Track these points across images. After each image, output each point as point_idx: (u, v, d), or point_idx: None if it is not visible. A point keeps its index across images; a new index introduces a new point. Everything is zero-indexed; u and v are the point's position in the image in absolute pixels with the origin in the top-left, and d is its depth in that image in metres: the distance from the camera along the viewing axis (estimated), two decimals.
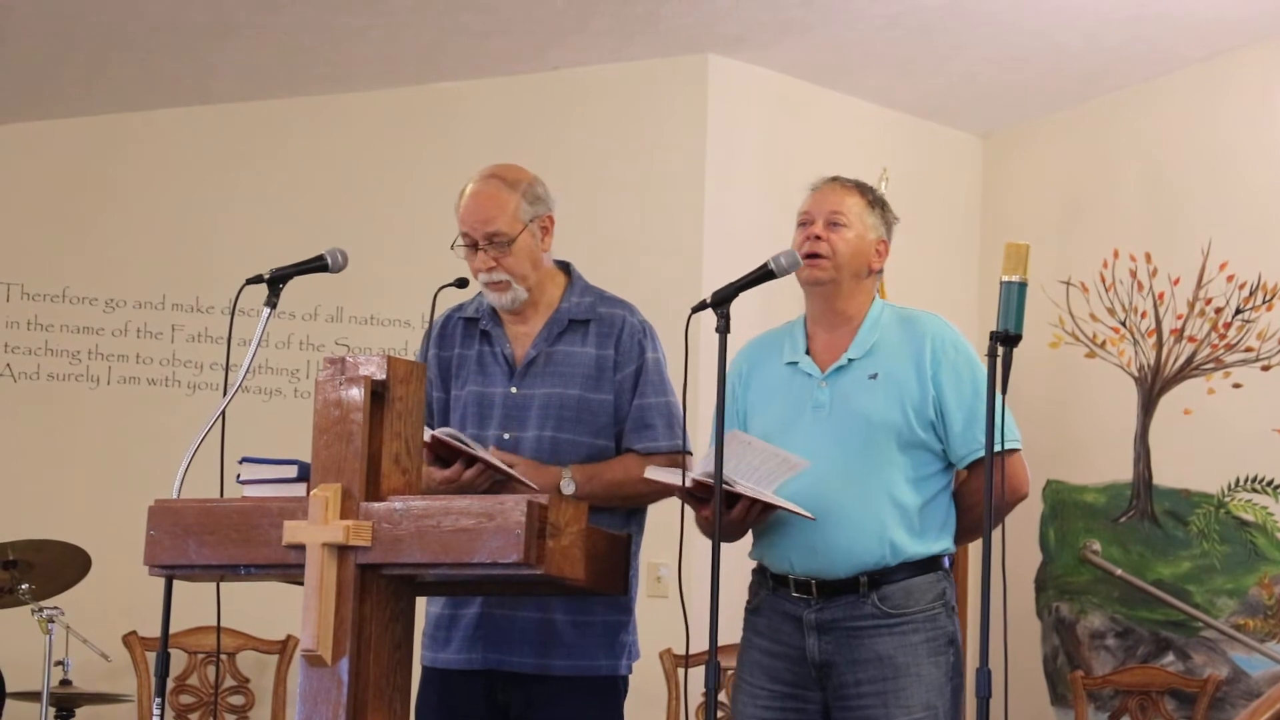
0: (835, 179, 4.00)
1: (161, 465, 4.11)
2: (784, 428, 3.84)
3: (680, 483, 3.62)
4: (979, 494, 3.82)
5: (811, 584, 3.80)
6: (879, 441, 3.78)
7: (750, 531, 3.90)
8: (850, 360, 3.86)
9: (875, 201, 3.97)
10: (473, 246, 3.96)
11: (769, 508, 3.69)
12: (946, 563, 3.89)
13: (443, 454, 3.72)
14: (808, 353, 3.92)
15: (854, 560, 3.76)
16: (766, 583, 3.91)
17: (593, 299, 4.06)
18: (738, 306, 3.63)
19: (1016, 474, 3.86)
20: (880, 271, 3.99)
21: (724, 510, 3.61)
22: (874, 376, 3.82)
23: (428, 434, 3.68)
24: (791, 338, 3.97)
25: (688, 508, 3.72)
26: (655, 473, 3.67)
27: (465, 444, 3.69)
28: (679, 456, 3.90)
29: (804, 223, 3.94)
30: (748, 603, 3.99)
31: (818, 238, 3.88)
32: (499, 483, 3.76)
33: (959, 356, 3.85)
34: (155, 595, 3.72)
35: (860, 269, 3.91)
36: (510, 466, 3.75)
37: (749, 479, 3.65)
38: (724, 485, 3.58)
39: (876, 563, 3.75)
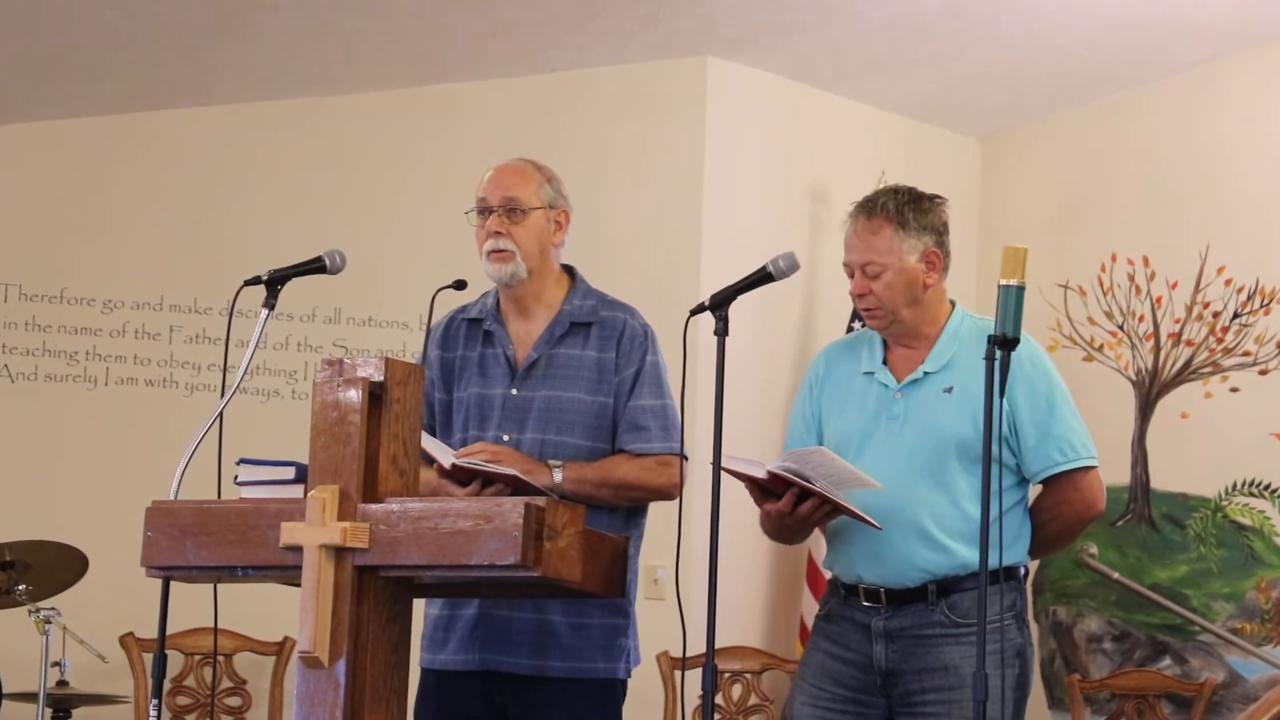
0: (860, 213, 3.88)
1: (159, 466, 4.11)
2: (860, 438, 3.85)
3: (757, 474, 3.64)
4: (1054, 509, 3.88)
5: (880, 592, 3.81)
6: (950, 455, 3.77)
7: (825, 544, 3.93)
8: (926, 373, 3.85)
9: (906, 218, 3.83)
10: (486, 212, 3.97)
11: (834, 511, 3.71)
12: (1022, 573, 3.89)
13: (460, 475, 3.72)
14: (885, 363, 3.91)
15: (920, 571, 3.77)
16: (838, 592, 3.92)
17: (595, 302, 4.06)
18: (736, 309, 3.63)
19: (1093, 491, 3.87)
20: (941, 277, 3.89)
21: (792, 507, 3.65)
22: (949, 390, 3.81)
23: (447, 461, 3.68)
24: (870, 346, 3.96)
25: (686, 511, 3.73)
26: (734, 463, 3.65)
27: (482, 468, 3.68)
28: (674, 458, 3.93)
29: (848, 274, 3.90)
30: (819, 610, 4.00)
31: (862, 294, 3.85)
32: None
33: (1035, 371, 3.82)
34: (152, 596, 3.72)
35: (913, 297, 3.85)
36: (498, 457, 3.75)
37: (821, 483, 3.66)
38: (800, 482, 3.62)
39: (945, 573, 3.76)
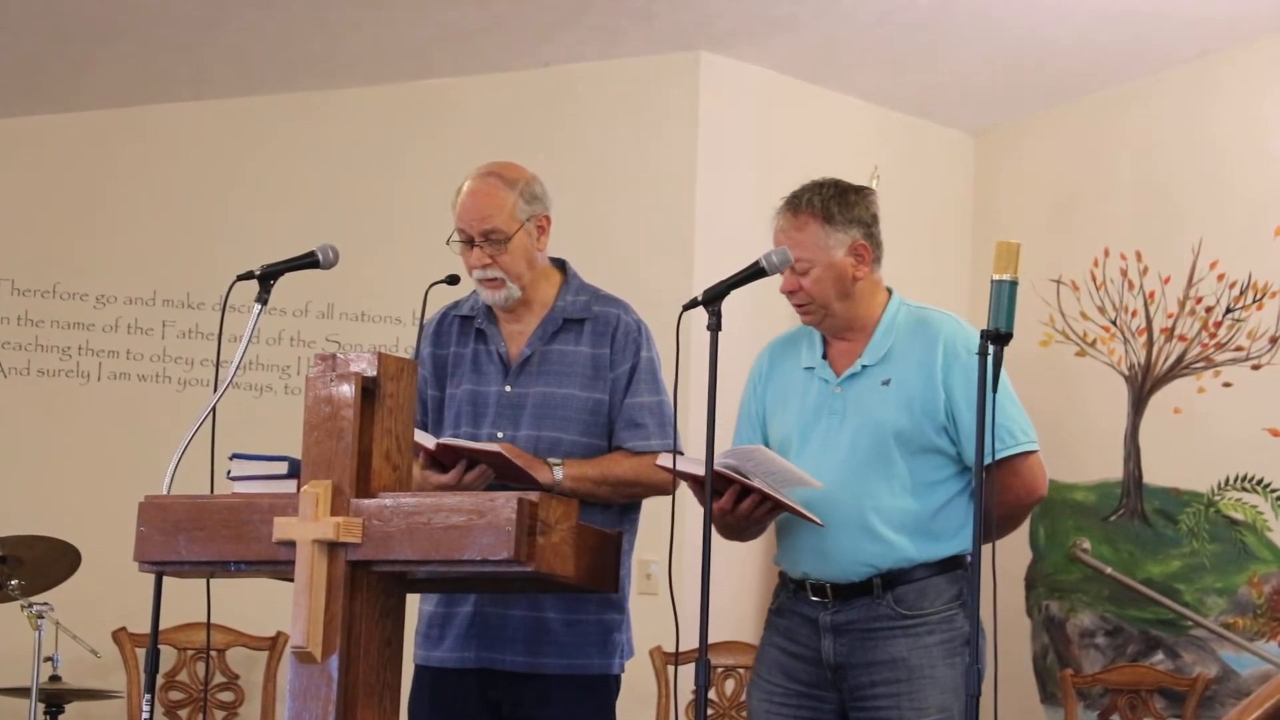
0: (786, 210, 3.86)
1: (152, 461, 4.11)
2: (801, 434, 3.84)
3: (699, 473, 3.62)
4: (998, 494, 3.83)
5: (826, 587, 3.80)
6: (890, 448, 3.76)
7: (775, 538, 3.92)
8: (864, 367, 3.84)
9: (831, 212, 3.81)
10: (469, 243, 3.97)
11: (776, 508, 3.70)
12: (968, 560, 3.86)
13: (443, 459, 3.71)
14: (825, 357, 3.91)
15: (864, 565, 3.76)
16: (787, 586, 3.91)
17: (588, 297, 4.06)
18: (729, 304, 3.63)
19: (1035, 475, 3.85)
20: (872, 268, 3.88)
21: (733, 504, 3.63)
22: (886, 383, 3.80)
23: (431, 443, 3.68)
24: (810, 340, 3.95)
25: (679, 506, 3.73)
26: (678, 461, 3.64)
27: (466, 445, 3.68)
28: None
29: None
30: (771, 604, 3.99)
31: (792, 291, 3.85)
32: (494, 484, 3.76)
33: (971, 359, 3.73)
34: (145, 591, 3.72)
35: (843, 291, 3.84)
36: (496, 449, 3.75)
37: (763, 481, 3.65)
38: (739, 479, 3.60)
39: (890, 566, 3.75)
